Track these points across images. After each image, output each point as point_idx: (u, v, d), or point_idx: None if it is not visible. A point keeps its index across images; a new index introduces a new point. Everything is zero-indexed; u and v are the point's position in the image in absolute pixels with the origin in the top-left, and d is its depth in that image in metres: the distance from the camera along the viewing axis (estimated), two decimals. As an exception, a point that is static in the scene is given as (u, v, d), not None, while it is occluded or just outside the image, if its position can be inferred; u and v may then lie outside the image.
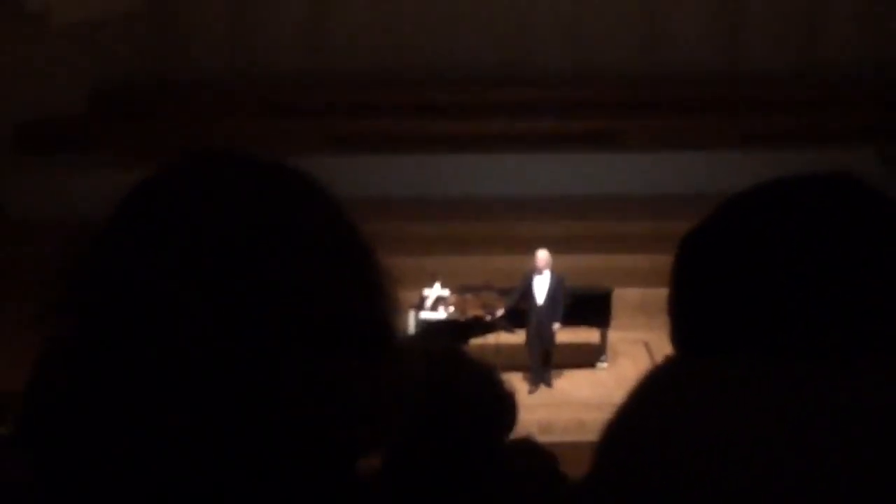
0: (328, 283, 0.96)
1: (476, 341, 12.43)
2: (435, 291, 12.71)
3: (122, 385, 0.91)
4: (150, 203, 0.98)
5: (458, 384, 2.02)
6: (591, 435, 1.09)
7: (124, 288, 0.93)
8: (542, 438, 2.66)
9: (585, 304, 12.74)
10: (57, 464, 0.94)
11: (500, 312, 12.73)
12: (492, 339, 12.68)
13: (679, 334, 1.21)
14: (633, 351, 12.64)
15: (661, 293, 1.36)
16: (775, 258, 1.18)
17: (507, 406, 2.15)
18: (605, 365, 12.90)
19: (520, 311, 12.57)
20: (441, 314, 12.68)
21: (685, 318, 1.21)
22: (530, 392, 12.19)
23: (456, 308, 12.78)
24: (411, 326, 12.38)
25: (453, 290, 12.80)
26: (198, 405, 0.91)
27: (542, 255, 12.56)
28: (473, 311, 12.84)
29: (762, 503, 0.87)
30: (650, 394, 1.02)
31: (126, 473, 0.92)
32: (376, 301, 1.00)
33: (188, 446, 0.91)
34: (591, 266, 13.67)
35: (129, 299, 0.92)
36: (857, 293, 1.15)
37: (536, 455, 2.25)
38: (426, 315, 12.57)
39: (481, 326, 12.76)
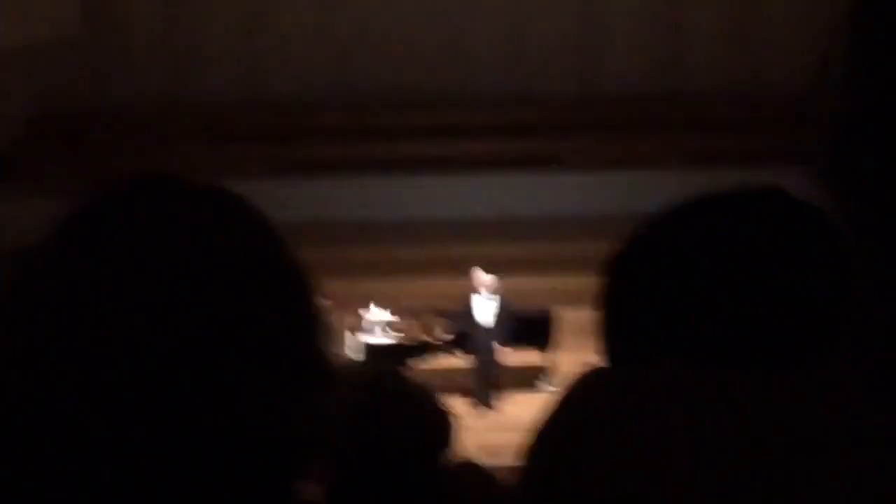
0: (263, 311, 0.97)
1: (421, 366, 12.41)
2: (376, 315, 12.70)
3: (62, 411, 0.92)
4: (89, 231, 0.98)
5: (392, 406, 2.05)
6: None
7: (63, 316, 0.94)
8: (486, 462, 2.64)
9: (527, 326, 12.77)
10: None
11: (444, 336, 12.73)
12: (436, 363, 12.67)
13: (609, 354, 1.23)
14: (578, 373, 12.66)
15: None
16: (699, 270, 1.18)
17: (443, 425, 2.16)
18: (549, 387, 12.92)
19: (464, 335, 12.57)
20: (386, 339, 12.66)
21: (614, 337, 1.22)
22: (475, 415, 12.16)
23: (401, 332, 12.77)
24: (349, 347, 12.38)
25: (397, 314, 12.80)
26: (135, 432, 0.92)
27: (478, 275, 12.58)
28: (418, 336, 12.84)
29: None
30: (574, 402, 1.03)
31: (67, 491, 0.93)
32: (310, 329, 1.02)
33: (126, 470, 0.92)
34: (534, 288, 13.69)
35: (67, 327, 0.93)
36: (783, 303, 1.16)
37: (478, 477, 2.25)
38: (371, 339, 12.55)
39: (425, 350, 12.77)
